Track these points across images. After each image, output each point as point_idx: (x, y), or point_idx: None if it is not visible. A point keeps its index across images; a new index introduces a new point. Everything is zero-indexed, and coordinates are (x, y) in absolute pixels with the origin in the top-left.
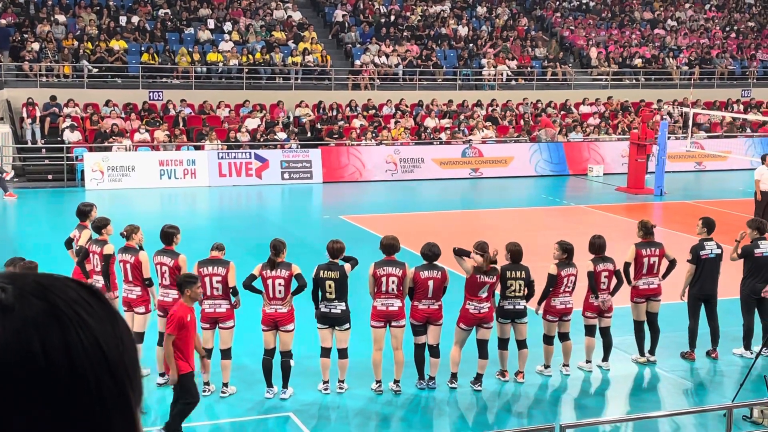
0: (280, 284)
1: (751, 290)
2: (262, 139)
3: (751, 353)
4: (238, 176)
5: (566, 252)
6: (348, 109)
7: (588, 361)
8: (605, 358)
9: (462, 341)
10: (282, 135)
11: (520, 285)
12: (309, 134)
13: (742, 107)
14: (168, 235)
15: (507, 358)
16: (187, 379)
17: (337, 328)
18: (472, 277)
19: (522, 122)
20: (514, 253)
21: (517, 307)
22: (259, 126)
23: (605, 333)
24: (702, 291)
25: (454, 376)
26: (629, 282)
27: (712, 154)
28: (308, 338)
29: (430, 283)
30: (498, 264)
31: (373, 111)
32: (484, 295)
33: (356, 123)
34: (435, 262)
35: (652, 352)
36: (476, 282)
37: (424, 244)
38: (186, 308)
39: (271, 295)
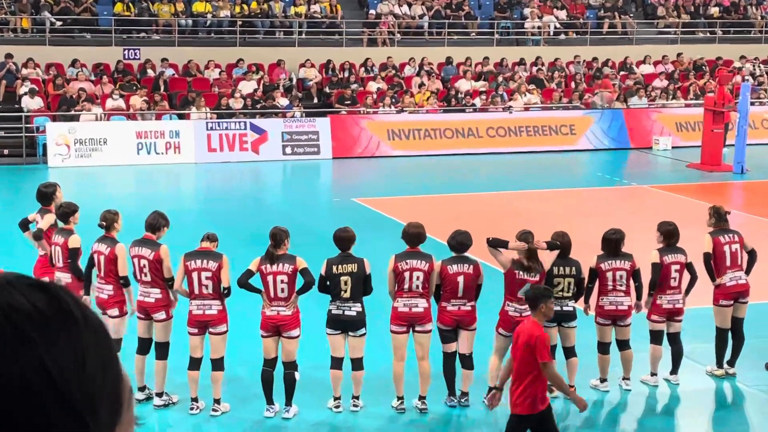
0: (282, 281)
1: None
2: (259, 107)
3: None
4: (230, 151)
5: (608, 243)
6: (362, 69)
7: (653, 374)
8: (674, 370)
9: (502, 349)
10: (283, 101)
11: (569, 283)
12: (316, 100)
13: None
14: (154, 226)
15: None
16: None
17: (350, 333)
18: (509, 273)
19: (573, 85)
20: (561, 245)
21: (564, 308)
22: (255, 90)
23: (674, 340)
24: None
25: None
26: (713, 278)
27: None
28: (316, 346)
29: (460, 279)
30: (544, 260)
31: (393, 72)
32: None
33: (372, 86)
34: (465, 254)
35: (731, 363)
36: (514, 279)
37: (452, 233)
38: (541, 327)
39: (272, 295)
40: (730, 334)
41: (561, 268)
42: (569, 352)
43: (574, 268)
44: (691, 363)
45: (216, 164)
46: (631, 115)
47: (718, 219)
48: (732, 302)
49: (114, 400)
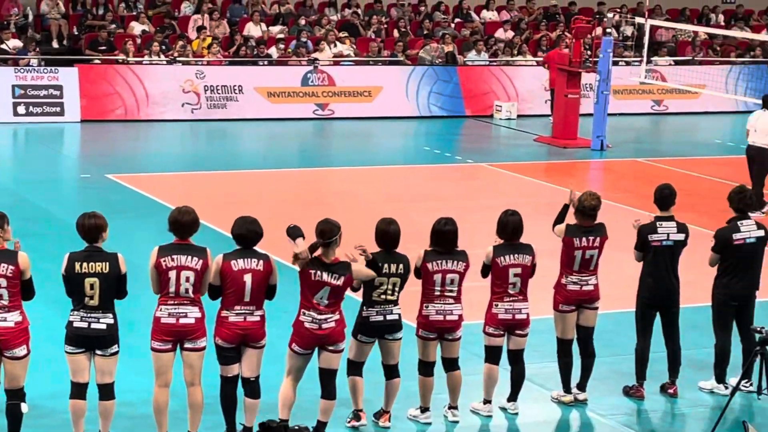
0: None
1: (727, 295)
2: None
3: (726, 387)
4: None
5: (438, 237)
6: (123, 5)
7: (487, 401)
8: (513, 397)
9: (297, 371)
10: (15, 44)
11: (394, 285)
12: (59, 44)
13: (722, 19)
14: None
15: (362, 393)
16: None
17: (98, 352)
18: (304, 273)
19: (396, 33)
20: (386, 235)
21: (388, 317)
22: None
23: (516, 358)
24: (655, 293)
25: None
26: None
27: (679, 88)
28: (53, 368)
29: (247, 278)
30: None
31: (165, 8)
32: (325, 303)
33: (136, 28)
34: (255, 248)
35: (582, 386)
36: (310, 281)
37: (236, 221)
38: None
39: None
40: (575, 347)
41: (385, 266)
42: (392, 371)
43: (402, 266)
44: (535, 387)
45: None
46: (467, 74)
47: (585, 213)
48: (574, 308)
49: None
